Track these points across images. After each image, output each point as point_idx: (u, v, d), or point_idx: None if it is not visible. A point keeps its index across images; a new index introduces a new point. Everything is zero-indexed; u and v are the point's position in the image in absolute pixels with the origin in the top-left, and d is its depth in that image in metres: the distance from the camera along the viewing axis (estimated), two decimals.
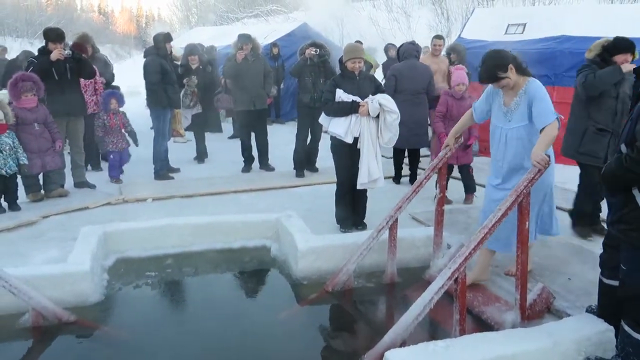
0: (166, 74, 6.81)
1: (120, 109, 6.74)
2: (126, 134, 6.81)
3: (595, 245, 4.41)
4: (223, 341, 3.41)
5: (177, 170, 7.34)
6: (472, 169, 5.95)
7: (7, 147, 5.31)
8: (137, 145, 6.91)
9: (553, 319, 3.35)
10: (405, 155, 6.81)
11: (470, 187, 5.85)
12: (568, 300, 3.56)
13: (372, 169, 4.64)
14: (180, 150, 8.39)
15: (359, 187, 4.71)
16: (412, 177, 6.72)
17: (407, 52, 6.67)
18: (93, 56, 7.31)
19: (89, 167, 7.28)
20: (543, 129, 3.32)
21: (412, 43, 6.93)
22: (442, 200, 4.25)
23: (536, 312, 3.40)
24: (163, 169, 6.99)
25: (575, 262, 4.18)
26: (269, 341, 3.44)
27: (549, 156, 3.26)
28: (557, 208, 5.46)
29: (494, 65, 3.50)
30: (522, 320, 3.31)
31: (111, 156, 6.73)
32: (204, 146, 8.13)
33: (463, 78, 5.81)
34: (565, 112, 7.53)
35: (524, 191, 3.20)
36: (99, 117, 6.68)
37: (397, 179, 6.80)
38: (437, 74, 7.21)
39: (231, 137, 10.00)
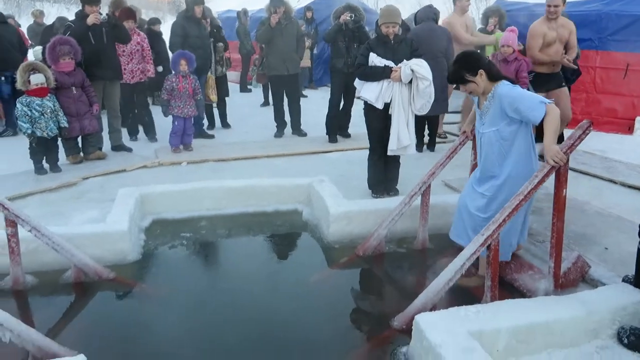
0: (188, 38, 6.77)
1: (192, 74, 6.38)
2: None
3: (636, 215, 4.30)
4: (255, 301, 3.48)
5: (211, 137, 7.40)
6: None
7: (49, 110, 5.45)
8: (201, 116, 6.82)
9: (587, 288, 3.29)
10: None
11: None
12: (604, 269, 3.48)
13: (402, 135, 4.57)
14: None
15: (389, 153, 4.67)
16: (431, 144, 6.66)
17: (425, 15, 6.50)
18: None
19: (146, 137, 7.21)
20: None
21: (430, 6, 6.75)
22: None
23: (570, 280, 3.35)
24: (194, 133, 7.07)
25: (613, 231, 4.08)
26: (300, 302, 3.50)
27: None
28: (597, 177, 5.38)
29: (463, 67, 3.30)
30: (556, 288, 3.27)
31: (175, 123, 6.34)
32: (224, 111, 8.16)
33: (508, 40, 5.59)
34: (611, 78, 7.34)
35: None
36: (167, 78, 6.31)
37: (419, 146, 6.30)
38: (556, 44, 5.86)
39: (263, 105, 9.97)
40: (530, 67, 5.83)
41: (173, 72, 6.35)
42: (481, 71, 3.26)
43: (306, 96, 10.47)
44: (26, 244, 3.62)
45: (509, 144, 3.29)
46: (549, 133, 3.07)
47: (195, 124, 6.97)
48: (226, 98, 8.05)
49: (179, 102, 6.29)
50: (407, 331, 2.89)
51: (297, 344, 3.04)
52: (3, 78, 7.53)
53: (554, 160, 3.04)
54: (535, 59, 5.86)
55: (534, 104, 3.12)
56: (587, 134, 3.16)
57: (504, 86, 3.26)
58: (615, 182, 5.26)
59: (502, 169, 3.35)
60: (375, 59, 4.56)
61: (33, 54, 8.26)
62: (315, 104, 9.52)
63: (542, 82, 5.88)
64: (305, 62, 10.49)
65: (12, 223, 3.49)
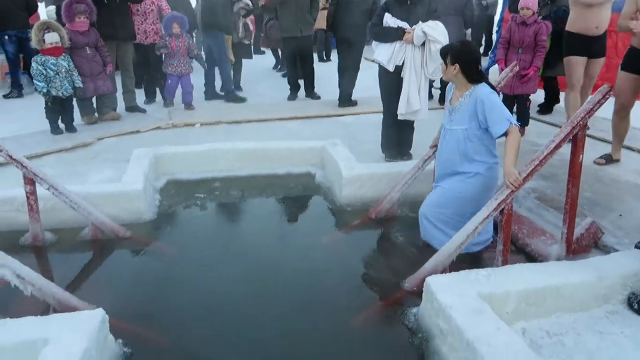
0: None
1: (186, 33, 6.73)
2: (192, 60, 6.82)
3: None
4: (266, 262, 3.53)
5: (243, 100, 7.37)
6: (530, 101, 5.70)
7: (63, 70, 5.46)
8: (205, 68, 7.12)
9: (600, 254, 3.28)
10: None
11: (521, 120, 5.55)
12: (617, 236, 3.47)
13: (413, 99, 4.50)
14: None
15: (398, 117, 4.62)
16: (441, 99, 6.94)
17: None
18: None
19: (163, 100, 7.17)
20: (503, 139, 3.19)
21: None
22: None
23: (582, 246, 3.35)
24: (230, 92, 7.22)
25: (629, 198, 4.05)
26: (312, 264, 3.54)
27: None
28: (600, 140, 5.23)
29: (450, 50, 3.36)
30: (568, 254, 3.27)
31: (169, 81, 6.72)
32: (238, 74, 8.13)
33: (528, 2, 5.40)
34: None
35: (581, 123, 3.07)
36: (162, 37, 6.70)
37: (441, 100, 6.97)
38: None
39: (275, 67, 9.85)
40: (549, 31, 5.63)
41: (166, 33, 6.61)
42: (456, 65, 3.30)
43: (330, 60, 10.38)
44: (44, 201, 3.69)
45: (475, 145, 3.32)
46: (509, 154, 3.09)
47: (206, 83, 7.10)
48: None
49: (173, 60, 6.58)
50: (417, 293, 2.92)
51: (308, 304, 3.09)
52: (7, 37, 7.41)
53: (510, 184, 3.02)
54: (620, 28, 4.62)
55: (501, 118, 3.17)
56: (607, 98, 3.10)
57: (483, 88, 3.29)
58: (632, 150, 5.19)
59: (466, 167, 3.37)
60: (389, 20, 4.46)
61: (47, 14, 8.20)
62: (329, 66, 9.41)
63: (636, 60, 4.55)
64: (322, 23, 10.27)
65: (30, 181, 3.55)
